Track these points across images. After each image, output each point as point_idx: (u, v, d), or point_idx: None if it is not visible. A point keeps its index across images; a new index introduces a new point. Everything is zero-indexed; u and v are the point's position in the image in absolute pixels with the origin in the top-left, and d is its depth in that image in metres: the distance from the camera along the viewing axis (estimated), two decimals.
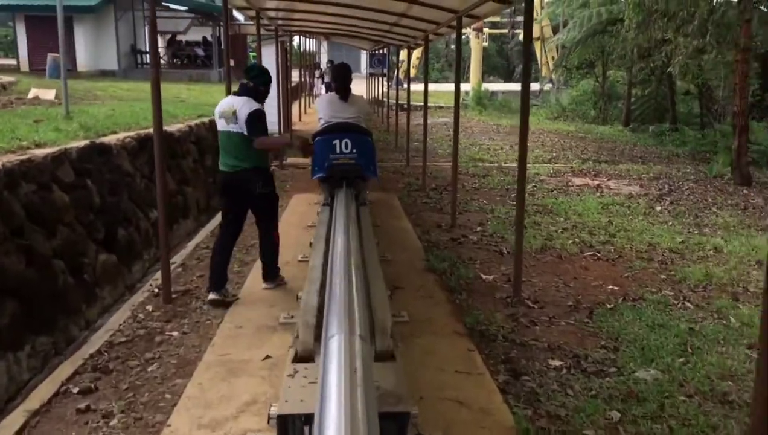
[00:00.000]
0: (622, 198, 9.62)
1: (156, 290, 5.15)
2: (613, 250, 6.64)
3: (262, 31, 10.85)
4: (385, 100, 22.14)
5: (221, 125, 4.61)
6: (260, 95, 4.67)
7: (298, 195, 9.38)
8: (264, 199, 4.75)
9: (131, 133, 7.06)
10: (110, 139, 6.69)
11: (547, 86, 35.57)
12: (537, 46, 38.64)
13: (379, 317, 2.88)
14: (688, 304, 5.13)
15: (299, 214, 7.84)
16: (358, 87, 23.49)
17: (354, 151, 5.05)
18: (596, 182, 10.96)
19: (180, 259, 6.06)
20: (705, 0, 11.11)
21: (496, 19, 36.33)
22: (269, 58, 13.21)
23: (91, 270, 5.54)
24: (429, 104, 26.05)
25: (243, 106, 4.50)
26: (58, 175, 5.37)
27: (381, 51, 20.93)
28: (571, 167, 12.58)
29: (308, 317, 2.90)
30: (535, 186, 10.45)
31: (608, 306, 5.02)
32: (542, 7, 34.68)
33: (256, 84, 4.64)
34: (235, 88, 5.02)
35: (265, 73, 4.74)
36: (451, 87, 39.60)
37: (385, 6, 7.70)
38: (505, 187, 10.37)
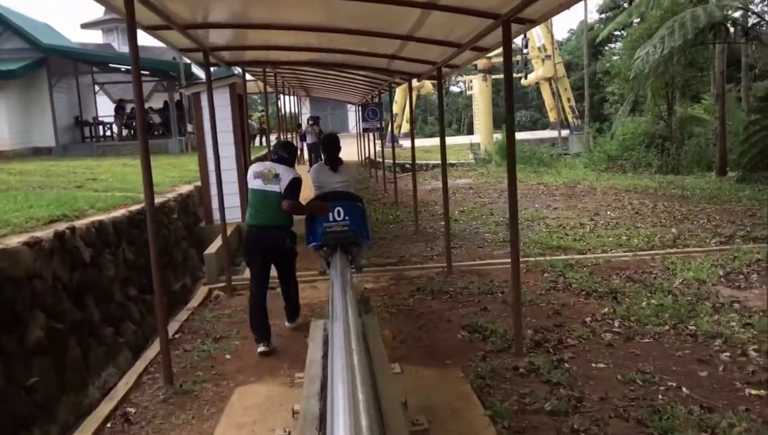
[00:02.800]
0: None
1: None
2: None
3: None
4: (382, 160, 17.19)
5: (257, 184, 5.04)
6: (292, 165, 5.29)
7: (242, 387, 4.27)
8: (288, 255, 5.21)
9: None
10: None
11: (565, 132, 30.99)
12: (545, 87, 33.95)
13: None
14: None
15: None
16: (349, 148, 18.39)
17: (346, 218, 5.12)
18: None
19: None
20: None
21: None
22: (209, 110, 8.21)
23: None
24: (432, 162, 21.11)
25: (287, 171, 5.03)
26: None
27: (375, 99, 16.15)
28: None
29: None
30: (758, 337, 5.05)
31: None
32: (552, 44, 30.37)
33: (291, 157, 5.30)
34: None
35: (294, 147, 5.70)
36: (450, 141, 34.48)
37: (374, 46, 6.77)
38: (684, 331, 5.00)
